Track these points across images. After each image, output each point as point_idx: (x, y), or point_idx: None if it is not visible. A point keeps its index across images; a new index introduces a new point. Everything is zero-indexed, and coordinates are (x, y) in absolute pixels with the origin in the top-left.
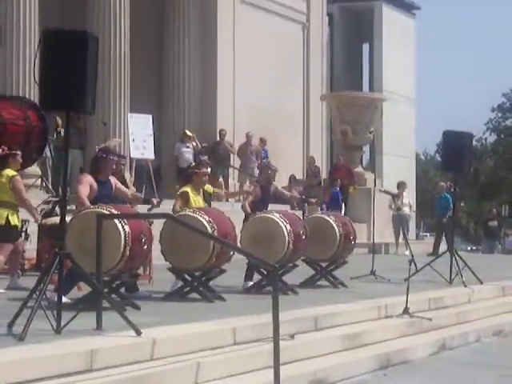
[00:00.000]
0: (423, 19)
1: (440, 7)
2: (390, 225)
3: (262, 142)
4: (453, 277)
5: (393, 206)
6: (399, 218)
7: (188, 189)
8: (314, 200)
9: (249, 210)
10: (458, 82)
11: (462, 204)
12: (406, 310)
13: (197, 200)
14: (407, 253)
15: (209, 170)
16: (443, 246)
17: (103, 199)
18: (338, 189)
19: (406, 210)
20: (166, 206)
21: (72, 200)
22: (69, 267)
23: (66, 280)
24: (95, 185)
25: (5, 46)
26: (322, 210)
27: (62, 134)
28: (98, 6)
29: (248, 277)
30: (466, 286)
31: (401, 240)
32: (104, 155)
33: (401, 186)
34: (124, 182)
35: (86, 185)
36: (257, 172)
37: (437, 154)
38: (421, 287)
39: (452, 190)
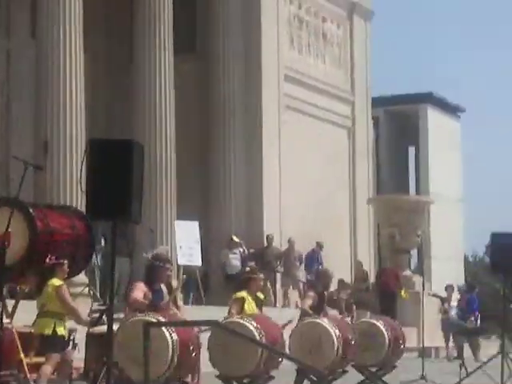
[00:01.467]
0: (468, 121)
1: (484, 108)
2: (439, 328)
3: (319, 245)
4: (505, 380)
5: (441, 310)
6: (448, 322)
7: (244, 294)
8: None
9: (310, 312)
10: (505, 183)
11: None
12: None
13: (251, 306)
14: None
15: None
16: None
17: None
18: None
19: (453, 313)
20: (214, 314)
21: (119, 308)
22: (116, 376)
23: None
24: (149, 293)
25: (51, 157)
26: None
27: None
28: (144, 113)
29: (297, 383)
30: None
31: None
32: (158, 263)
33: (448, 289)
34: (170, 290)
35: (139, 290)
36: (301, 276)
37: (485, 256)
38: None
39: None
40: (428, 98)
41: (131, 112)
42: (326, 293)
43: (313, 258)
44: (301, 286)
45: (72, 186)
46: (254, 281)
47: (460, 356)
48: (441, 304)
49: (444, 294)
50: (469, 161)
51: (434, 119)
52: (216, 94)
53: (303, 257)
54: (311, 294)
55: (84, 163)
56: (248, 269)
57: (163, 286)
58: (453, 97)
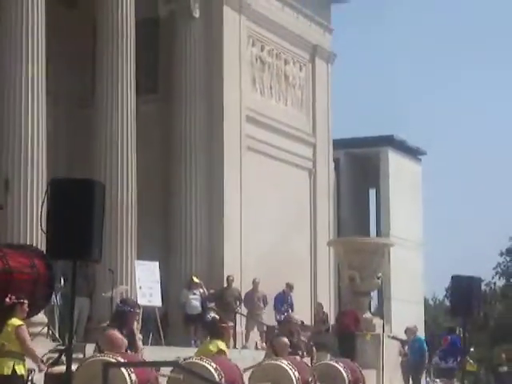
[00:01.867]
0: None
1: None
2: (399, 370)
3: (289, 287)
4: None
5: (401, 353)
6: (408, 365)
7: (225, 347)
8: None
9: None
10: (465, 227)
11: (471, 349)
12: None
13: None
14: None
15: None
16: None
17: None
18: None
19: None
20: (173, 354)
21: (78, 348)
22: None
23: None
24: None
25: (12, 195)
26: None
27: None
28: (105, 153)
29: None
30: None
31: None
32: (128, 308)
33: (408, 331)
34: (133, 331)
35: (122, 344)
36: (264, 319)
37: (445, 299)
38: None
39: (461, 335)
40: (389, 141)
41: (92, 152)
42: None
43: (282, 300)
44: (264, 327)
45: (32, 226)
46: (226, 330)
47: None
48: (401, 346)
49: (404, 337)
50: (429, 204)
51: (395, 162)
52: (177, 134)
53: (267, 298)
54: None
55: (45, 203)
56: (218, 317)
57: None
58: (413, 140)
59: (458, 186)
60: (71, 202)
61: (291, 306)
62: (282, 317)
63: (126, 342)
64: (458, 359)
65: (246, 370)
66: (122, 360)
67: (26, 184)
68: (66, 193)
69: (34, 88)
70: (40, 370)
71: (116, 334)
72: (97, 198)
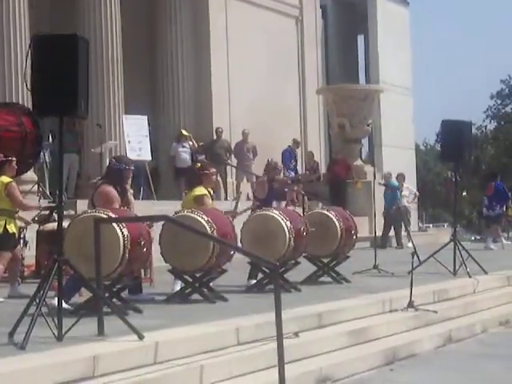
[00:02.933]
0: (417, 7)
1: None
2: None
3: (295, 143)
4: (457, 268)
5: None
6: (399, 211)
7: (205, 191)
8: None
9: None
10: (455, 71)
11: (464, 193)
12: (410, 304)
13: (210, 201)
14: (410, 245)
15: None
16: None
17: None
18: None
19: (405, 202)
20: (164, 208)
21: (69, 205)
22: (69, 273)
23: (68, 286)
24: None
25: None
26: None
27: None
28: (89, 10)
29: (252, 275)
30: (470, 277)
31: (403, 232)
32: (126, 167)
33: (399, 177)
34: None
35: (116, 200)
36: (254, 170)
37: (436, 144)
38: (425, 280)
39: (453, 179)
40: None
41: (77, 9)
42: (273, 184)
43: (290, 156)
44: (253, 178)
45: (18, 83)
46: (206, 176)
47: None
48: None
49: (396, 183)
50: (419, 48)
51: (382, 6)
52: None
53: (256, 148)
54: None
55: (28, 59)
56: (199, 164)
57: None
58: None
59: (447, 30)
60: (55, 58)
61: (296, 162)
62: (291, 173)
63: (119, 198)
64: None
65: (232, 215)
66: (114, 215)
67: (9, 41)
68: (49, 48)
69: None
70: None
71: (111, 189)
72: (81, 52)
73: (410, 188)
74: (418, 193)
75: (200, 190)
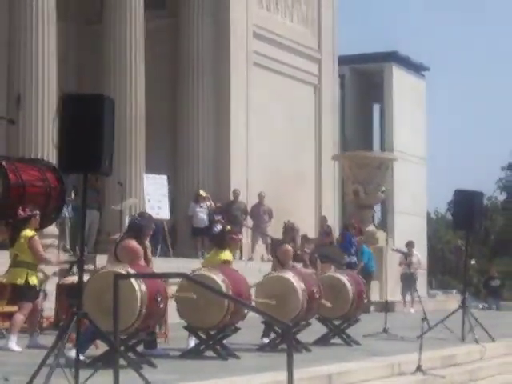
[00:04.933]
0: (433, 79)
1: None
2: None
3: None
4: (465, 334)
5: (403, 265)
6: (407, 277)
7: (230, 256)
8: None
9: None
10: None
11: (472, 262)
12: (419, 368)
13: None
14: (412, 311)
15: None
16: None
17: None
18: None
19: (413, 269)
20: (181, 265)
21: (89, 260)
22: (86, 325)
23: (83, 338)
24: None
25: (24, 111)
26: None
27: None
28: (114, 70)
29: (266, 333)
30: (478, 344)
31: (409, 298)
32: (147, 223)
33: (409, 245)
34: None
35: (141, 251)
36: (269, 232)
37: (447, 213)
38: (434, 345)
39: (463, 247)
40: (393, 57)
41: (102, 70)
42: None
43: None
44: (269, 240)
45: (43, 140)
46: (234, 241)
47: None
48: (404, 259)
49: (416, 252)
50: (433, 119)
51: (399, 77)
52: (185, 50)
53: (272, 211)
54: (289, 248)
55: (56, 117)
56: (228, 227)
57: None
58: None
59: (461, 103)
60: (82, 117)
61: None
62: (354, 258)
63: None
64: None
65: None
66: (132, 271)
67: (37, 99)
68: (76, 107)
69: (44, 4)
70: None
71: (136, 244)
72: (106, 112)
73: (418, 256)
74: (424, 262)
75: (227, 255)
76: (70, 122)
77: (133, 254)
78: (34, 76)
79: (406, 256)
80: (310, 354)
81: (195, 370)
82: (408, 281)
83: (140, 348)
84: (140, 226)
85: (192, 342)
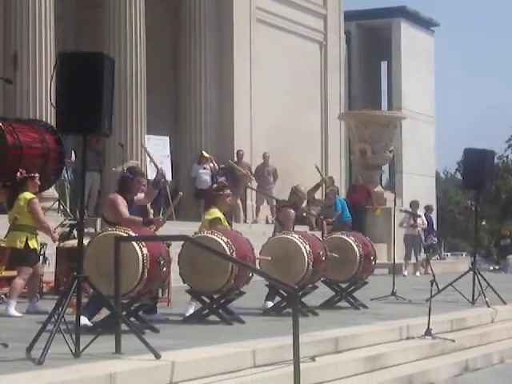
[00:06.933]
0: (442, 35)
1: (459, 24)
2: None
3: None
4: (475, 297)
5: (405, 224)
6: (412, 238)
7: (219, 214)
8: (331, 220)
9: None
10: (478, 99)
11: (483, 223)
12: (428, 332)
13: (225, 223)
14: (418, 274)
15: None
16: None
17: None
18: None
19: (419, 229)
20: (184, 228)
21: (89, 223)
22: (91, 292)
23: (92, 304)
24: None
25: (21, 70)
26: None
27: None
28: (114, 28)
29: (269, 297)
30: (489, 307)
31: (414, 260)
32: (132, 176)
33: (413, 204)
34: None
35: (124, 204)
36: (274, 193)
37: (457, 173)
38: (443, 308)
39: (473, 208)
40: (401, 12)
41: (101, 25)
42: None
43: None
44: (274, 201)
45: (42, 100)
46: (221, 198)
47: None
48: (408, 219)
49: (419, 212)
50: (442, 76)
51: (407, 33)
52: (187, 7)
53: (277, 172)
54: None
55: (54, 76)
56: (215, 185)
57: (136, 200)
58: (426, 11)
59: (471, 59)
60: (80, 76)
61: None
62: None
63: (125, 203)
64: None
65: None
66: (134, 234)
67: (35, 58)
68: (75, 66)
69: None
70: (53, 241)
71: (117, 195)
72: (106, 71)
73: (422, 217)
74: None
75: (213, 213)
76: (68, 81)
77: (112, 205)
78: (32, 34)
79: (415, 217)
80: (316, 318)
81: (198, 335)
82: (413, 242)
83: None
84: (125, 179)
85: (191, 309)
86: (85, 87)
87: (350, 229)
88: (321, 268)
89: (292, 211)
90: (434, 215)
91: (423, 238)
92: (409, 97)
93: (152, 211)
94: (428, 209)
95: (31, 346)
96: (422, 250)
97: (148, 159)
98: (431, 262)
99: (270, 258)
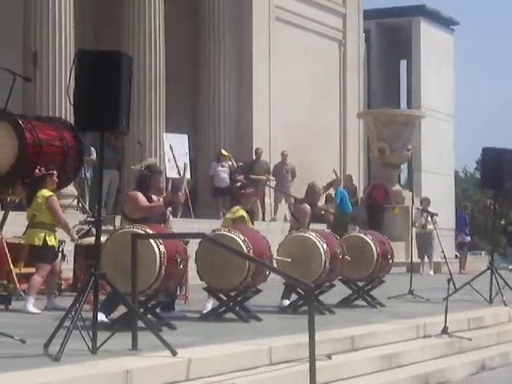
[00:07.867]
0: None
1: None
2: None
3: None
4: (493, 296)
5: (417, 224)
6: (423, 237)
7: (242, 212)
8: (332, 210)
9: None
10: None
11: (502, 222)
12: (445, 330)
13: (248, 222)
14: (431, 273)
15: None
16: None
17: (150, 218)
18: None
19: (430, 227)
20: (202, 226)
21: (107, 220)
22: (109, 289)
23: (109, 300)
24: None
25: (41, 68)
26: None
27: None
28: (133, 27)
29: (285, 295)
30: (506, 306)
31: (427, 260)
32: (150, 174)
33: (424, 201)
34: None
35: (143, 199)
36: (292, 191)
37: (476, 172)
38: (460, 307)
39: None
40: (421, 11)
41: (121, 24)
42: (314, 210)
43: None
44: (292, 199)
45: (61, 98)
46: (244, 196)
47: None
48: (420, 218)
49: (433, 210)
50: (462, 75)
51: (427, 32)
52: (206, 6)
53: (295, 170)
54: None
55: (72, 74)
56: (239, 184)
57: (154, 197)
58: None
59: (491, 58)
60: (99, 74)
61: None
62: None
63: (146, 200)
64: None
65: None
66: (151, 231)
67: (54, 56)
68: (93, 64)
69: None
70: (72, 240)
71: (137, 193)
72: (124, 69)
73: (435, 216)
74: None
75: (237, 212)
76: (86, 79)
77: (131, 199)
78: (51, 33)
79: (432, 215)
80: (332, 316)
81: (215, 332)
82: (425, 241)
83: (158, 310)
84: (143, 177)
85: (209, 306)
86: (103, 85)
87: (350, 220)
88: (338, 266)
89: (308, 206)
90: (449, 213)
91: (436, 237)
92: (428, 95)
93: (170, 208)
94: (465, 207)
95: (48, 343)
96: (439, 249)
97: (167, 158)
98: (448, 261)
99: (290, 260)
